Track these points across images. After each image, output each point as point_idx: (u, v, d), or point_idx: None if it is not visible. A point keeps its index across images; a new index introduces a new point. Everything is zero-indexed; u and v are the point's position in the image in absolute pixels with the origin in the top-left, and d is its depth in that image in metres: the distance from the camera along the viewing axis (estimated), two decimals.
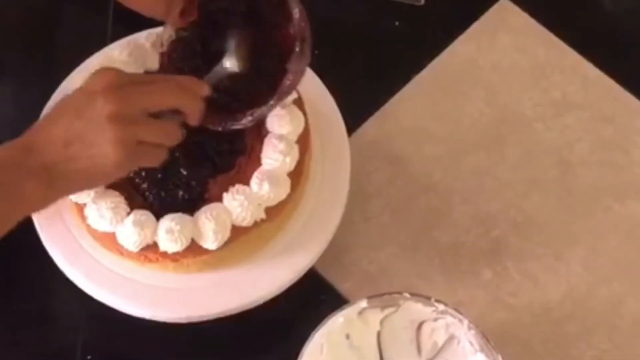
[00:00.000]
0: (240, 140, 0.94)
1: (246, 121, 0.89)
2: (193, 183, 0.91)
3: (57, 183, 0.80)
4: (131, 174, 0.90)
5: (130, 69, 0.97)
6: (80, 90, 0.82)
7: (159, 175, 0.91)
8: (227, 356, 0.97)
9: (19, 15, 1.16)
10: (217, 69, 0.90)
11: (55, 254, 0.95)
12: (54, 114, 0.82)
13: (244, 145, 0.94)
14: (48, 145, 0.79)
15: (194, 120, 0.85)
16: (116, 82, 0.80)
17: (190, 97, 0.84)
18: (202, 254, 0.90)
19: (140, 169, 0.91)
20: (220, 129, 0.90)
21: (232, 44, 0.92)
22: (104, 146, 0.79)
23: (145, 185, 0.91)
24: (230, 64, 0.91)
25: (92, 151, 0.79)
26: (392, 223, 1.03)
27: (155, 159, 0.85)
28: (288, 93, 0.91)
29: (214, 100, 0.88)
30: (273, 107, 0.90)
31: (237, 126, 0.90)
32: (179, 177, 0.91)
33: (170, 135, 0.83)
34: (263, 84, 0.90)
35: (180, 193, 0.91)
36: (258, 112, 0.89)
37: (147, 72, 0.97)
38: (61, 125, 0.80)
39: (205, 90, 0.85)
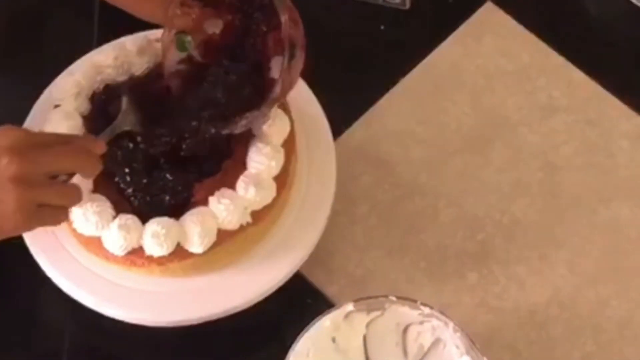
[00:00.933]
0: (225, 144, 0.94)
1: (239, 126, 0.90)
2: (179, 188, 0.91)
3: None
4: (116, 179, 0.90)
5: (115, 73, 0.97)
6: None
7: (145, 181, 0.91)
8: None
9: (4, 18, 1.16)
10: (115, 123, 0.91)
11: (41, 259, 0.95)
12: None
13: (229, 149, 0.94)
14: None
15: (90, 177, 0.87)
16: (20, 142, 0.80)
17: (86, 160, 0.84)
18: (188, 258, 0.90)
19: (126, 174, 0.91)
20: (213, 132, 0.91)
21: (125, 100, 0.93)
22: (3, 207, 0.79)
23: (130, 190, 0.91)
24: (124, 120, 0.92)
25: None
26: (378, 226, 1.03)
27: (55, 221, 0.86)
28: (280, 98, 0.90)
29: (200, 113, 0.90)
30: (266, 111, 0.90)
31: (229, 131, 0.90)
32: (164, 181, 0.91)
33: (71, 197, 0.84)
34: (255, 89, 0.91)
35: (167, 198, 0.91)
36: (250, 116, 0.89)
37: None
38: None
39: (101, 148, 0.86)
